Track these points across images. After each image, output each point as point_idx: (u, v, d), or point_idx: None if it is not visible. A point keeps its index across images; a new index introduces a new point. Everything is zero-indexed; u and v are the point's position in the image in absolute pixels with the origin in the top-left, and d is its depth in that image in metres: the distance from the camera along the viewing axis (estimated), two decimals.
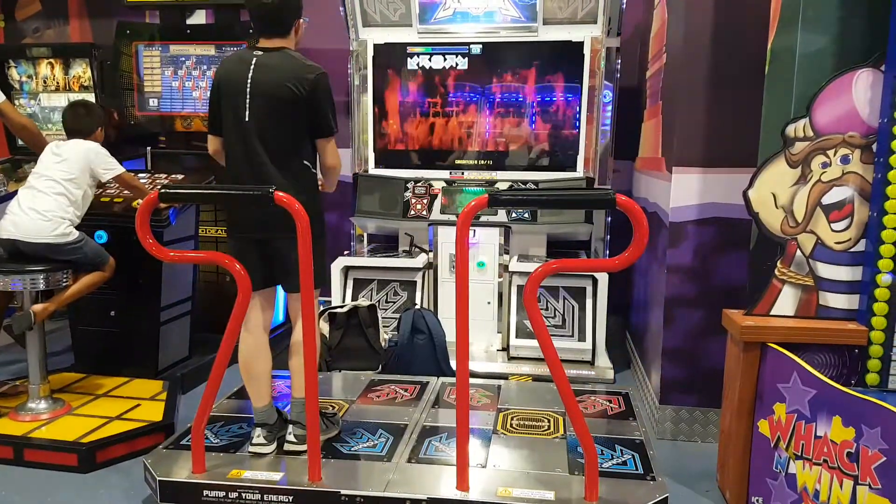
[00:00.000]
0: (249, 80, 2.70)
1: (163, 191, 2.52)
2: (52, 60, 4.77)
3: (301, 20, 2.83)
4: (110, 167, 3.62)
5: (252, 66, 2.71)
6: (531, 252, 4.64)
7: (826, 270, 2.59)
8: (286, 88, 2.66)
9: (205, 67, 4.63)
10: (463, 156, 4.80)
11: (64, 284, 3.50)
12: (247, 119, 2.72)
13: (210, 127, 2.87)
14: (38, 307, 3.42)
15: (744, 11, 3.09)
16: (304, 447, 2.76)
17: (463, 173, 4.77)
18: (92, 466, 3.12)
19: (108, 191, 4.01)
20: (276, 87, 2.68)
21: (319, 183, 2.95)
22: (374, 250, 4.97)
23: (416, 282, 4.55)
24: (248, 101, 2.71)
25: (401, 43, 4.75)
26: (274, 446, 2.87)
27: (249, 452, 2.85)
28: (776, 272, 2.63)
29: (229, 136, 2.79)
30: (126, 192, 3.95)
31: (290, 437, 2.84)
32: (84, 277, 3.59)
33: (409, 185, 4.71)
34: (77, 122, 3.68)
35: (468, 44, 4.68)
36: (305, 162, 2.79)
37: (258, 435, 2.87)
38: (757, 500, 2.63)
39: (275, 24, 2.75)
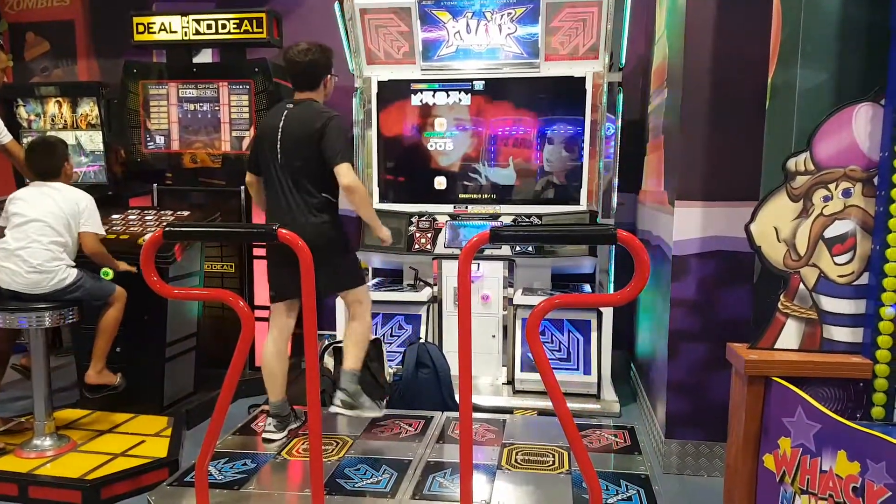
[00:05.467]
0: (281, 129, 3.23)
1: (168, 229, 2.54)
2: (59, 99, 4.84)
3: (330, 76, 3.36)
4: (93, 226, 3.66)
5: (283, 118, 3.25)
6: (535, 285, 4.65)
7: (829, 304, 2.59)
8: (306, 131, 3.17)
9: (211, 105, 4.69)
10: (467, 190, 4.83)
11: (70, 320, 3.52)
12: (280, 161, 3.24)
13: (248, 165, 3.49)
14: (91, 375, 3.68)
15: (744, 46, 3.13)
16: (348, 412, 3.28)
17: (467, 207, 4.80)
18: (96, 503, 3.11)
19: (114, 227, 4.05)
20: (299, 131, 3.19)
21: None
22: (378, 284, 4.98)
23: (420, 315, 4.55)
24: (279, 146, 3.23)
25: (405, 80, 4.82)
26: (282, 435, 3.36)
27: (263, 439, 3.35)
28: (780, 306, 2.62)
29: (267, 175, 3.33)
30: (132, 228, 3.99)
31: (336, 402, 3.28)
32: (102, 324, 3.69)
33: (414, 220, 4.74)
34: (43, 163, 3.67)
35: (471, 80, 4.74)
36: (325, 194, 3.26)
37: (269, 423, 3.39)
38: None
39: (305, 81, 3.28)
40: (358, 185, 3.21)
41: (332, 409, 3.28)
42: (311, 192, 3.24)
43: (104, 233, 3.75)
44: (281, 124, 3.24)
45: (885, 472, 2.12)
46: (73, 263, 3.58)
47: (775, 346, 2.64)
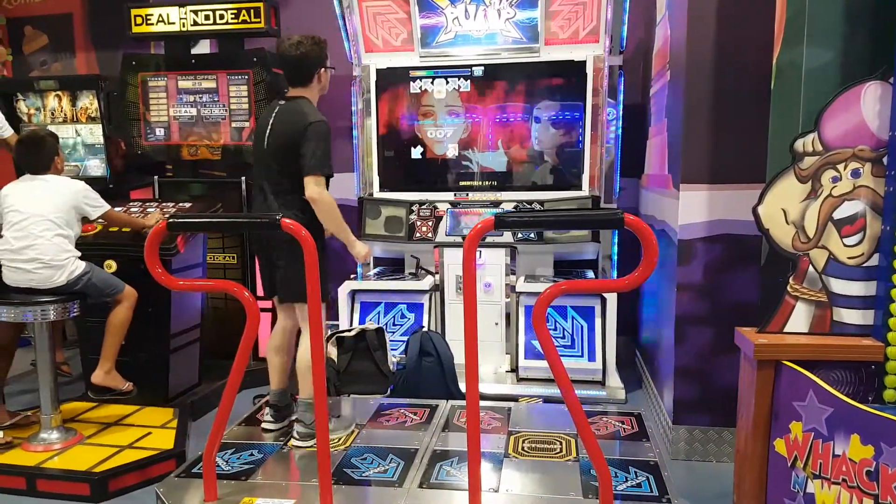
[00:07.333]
0: (270, 125, 3.16)
1: (171, 220, 2.51)
2: (59, 93, 4.82)
3: (324, 69, 3.20)
4: (98, 205, 3.64)
5: (274, 113, 3.18)
6: (538, 272, 4.63)
7: (839, 286, 2.56)
8: (288, 133, 3.08)
9: (210, 96, 4.66)
10: (468, 177, 4.80)
11: (74, 314, 3.51)
12: (266, 157, 3.16)
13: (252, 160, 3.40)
14: (98, 375, 3.63)
15: (747, 27, 3.09)
16: (306, 443, 3.14)
17: (468, 194, 4.77)
18: (104, 496, 3.12)
19: None
20: (284, 132, 3.10)
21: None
22: (380, 273, 4.97)
23: (422, 304, 4.54)
24: (266, 141, 3.16)
25: (403, 67, 4.78)
26: (280, 425, 3.32)
27: (262, 428, 3.34)
28: (789, 288, 2.60)
29: (256, 168, 3.28)
30: None
31: (294, 434, 3.20)
32: (111, 323, 3.65)
33: (415, 208, 4.71)
34: (33, 158, 3.61)
35: (470, 66, 4.69)
36: (303, 197, 3.08)
37: (268, 413, 3.36)
38: None
39: (297, 76, 3.17)
40: (322, 197, 3.03)
41: (293, 442, 3.18)
42: (289, 191, 3.11)
43: (109, 206, 3.71)
44: (271, 120, 3.16)
45: None
46: (80, 254, 3.56)
47: (785, 330, 2.62)
